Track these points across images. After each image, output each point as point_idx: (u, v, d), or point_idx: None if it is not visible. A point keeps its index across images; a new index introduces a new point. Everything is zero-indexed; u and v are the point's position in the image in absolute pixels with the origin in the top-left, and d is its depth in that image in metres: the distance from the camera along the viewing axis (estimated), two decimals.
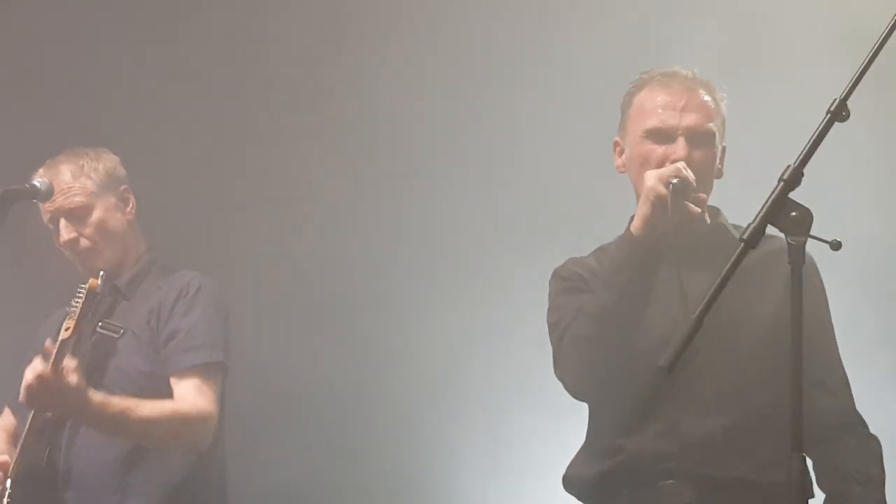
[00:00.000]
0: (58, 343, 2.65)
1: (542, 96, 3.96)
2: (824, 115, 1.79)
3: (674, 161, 2.34)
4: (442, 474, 3.99)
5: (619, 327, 2.31)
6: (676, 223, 2.31)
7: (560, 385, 2.46)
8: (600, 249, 2.58)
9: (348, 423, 4.06)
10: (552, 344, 2.45)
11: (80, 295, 2.70)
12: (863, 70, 1.79)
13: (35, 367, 2.62)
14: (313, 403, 4.01)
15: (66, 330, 2.67)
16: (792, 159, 1.79)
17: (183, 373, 2.84)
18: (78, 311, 2.70)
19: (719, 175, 2.50)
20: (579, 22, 3.93)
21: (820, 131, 1.79)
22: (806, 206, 1.79)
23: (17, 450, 2.76)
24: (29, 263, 3.46)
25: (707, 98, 2.45)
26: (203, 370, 2.84)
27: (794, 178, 1.79)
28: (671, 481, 2.32)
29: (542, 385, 3.08)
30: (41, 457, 2.78)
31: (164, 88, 4.05)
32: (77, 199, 2.94)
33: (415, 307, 4.00)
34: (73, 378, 2.61)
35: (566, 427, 3.03)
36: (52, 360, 2.63)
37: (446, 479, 4.00)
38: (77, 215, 2.95)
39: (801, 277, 1.79)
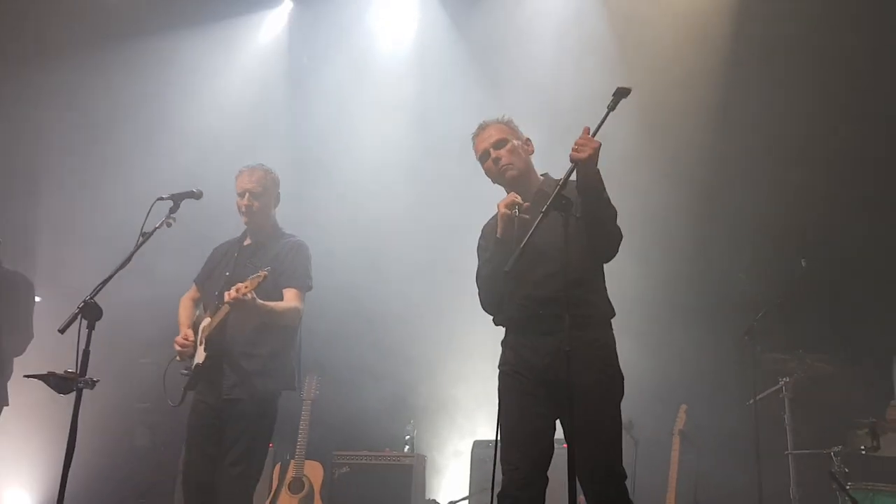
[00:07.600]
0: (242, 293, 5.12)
1: None
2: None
3: (500, 166, 4.52)
4: None
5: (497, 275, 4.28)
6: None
7: None
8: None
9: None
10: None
11: (258, 276, 5.08)
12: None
13: (232, 291, 5.11)
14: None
15: (246, 287, 5.09)
16: None
17: (289, 289, 5.45)
18: (255, 285, 5.07)
19: (530, 152, 4.62)
20: None
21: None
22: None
23: (202, 330, 5.39)
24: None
25: (501, 124, 4.60)
26: (298, 289, 5.47)
27: None
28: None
29: None
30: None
31: None
32: (257, 186, 5.59)
33: None
34: (251, 296, 5.12)
35: None
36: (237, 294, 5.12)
37: None
38: (255, 192, 5.58)
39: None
